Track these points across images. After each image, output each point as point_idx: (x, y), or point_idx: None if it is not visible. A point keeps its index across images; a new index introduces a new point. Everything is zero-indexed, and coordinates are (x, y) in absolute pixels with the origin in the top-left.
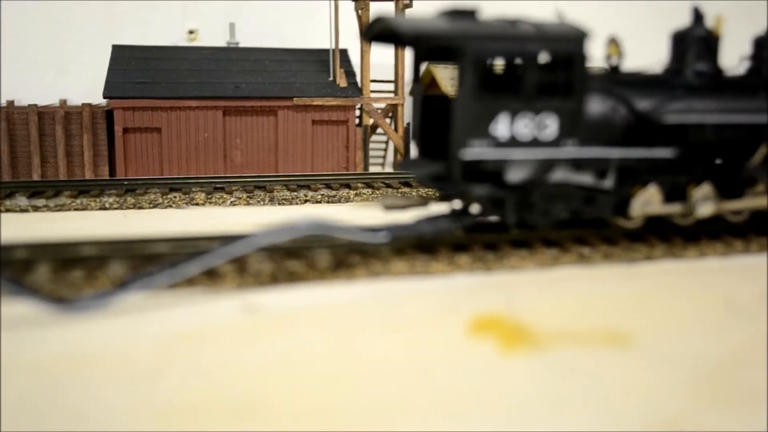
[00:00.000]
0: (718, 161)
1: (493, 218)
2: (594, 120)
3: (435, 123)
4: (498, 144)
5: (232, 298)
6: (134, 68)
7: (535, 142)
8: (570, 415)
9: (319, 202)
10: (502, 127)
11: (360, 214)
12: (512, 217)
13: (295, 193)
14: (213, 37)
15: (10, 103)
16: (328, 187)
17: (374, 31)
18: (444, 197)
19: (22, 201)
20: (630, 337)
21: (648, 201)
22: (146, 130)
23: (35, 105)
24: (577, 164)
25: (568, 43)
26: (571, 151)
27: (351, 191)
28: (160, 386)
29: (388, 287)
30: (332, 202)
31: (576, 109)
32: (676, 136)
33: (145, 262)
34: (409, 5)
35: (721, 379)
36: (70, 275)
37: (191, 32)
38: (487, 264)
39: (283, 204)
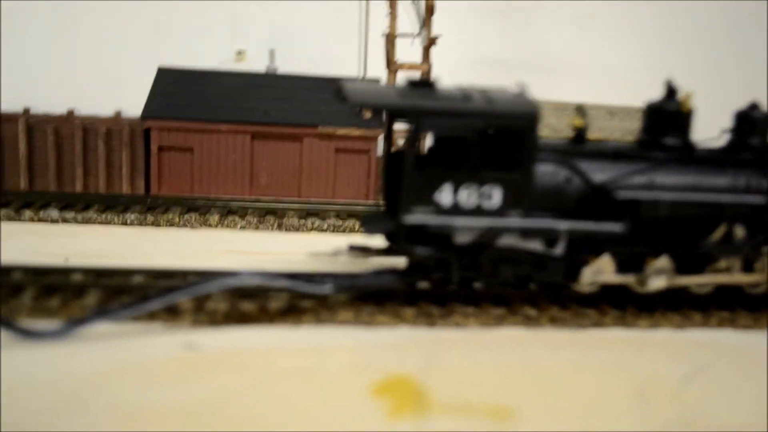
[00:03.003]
0: (675, 236)
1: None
2: (545, 190)
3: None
4: (441, 211)
5: (180, 334)
6: (174, 91)
7: (478, 211)
8: None
9: (326, 230)
10: (445, 195)
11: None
12: (456, 278)
13: (304, 221)
14: (262, 58)
15: (70, 112)
16: (337, 216)
17: (335, 92)
18: (396, 252)
19: (54, 213)
20: (514, 414)
21: (599, 270)
22: (179, 150)
23: (80, 120)
24: (525, 233)
25: (517, 121)
26: (515, 221)
27: (357, 222)
28: (65, 423)
29: (324, 336)
30: (338, 232)
31: (522, 181)
32: (630, 210)
33: (116, 294)
34: (433, 43)
35: None
36: (48, 302)
37: (239, 53)
38: (431, 319)
39: (290, 231)
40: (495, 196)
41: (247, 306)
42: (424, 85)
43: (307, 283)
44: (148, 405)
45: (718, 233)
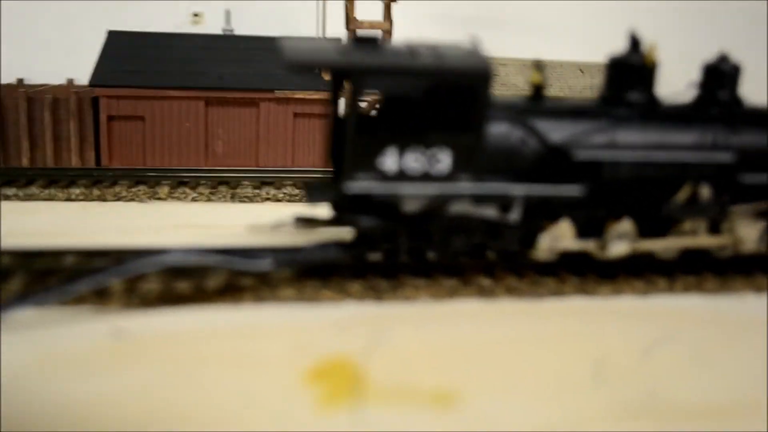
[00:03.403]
0: (637, 198)
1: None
2: (498, 152)
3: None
4: (385, 178)
5: (109, 319)
6: (124, 56)
7: (426, 177)
8: None
9: (281, 200)
10: (390, 160)
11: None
12: (404, 249)
13: (258, 191)
14: (219, 20)
15: (20, 81)
16: (293, 185)
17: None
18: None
19: None
20: (458, 399)
21: (557, 237)
22: (130, 119)
23: (25, 89)
24: (477, 199)
25: (468, 78)
26: (466, 186)
27: None
28: None
29: (264, 316)
30: (294, 201)
31: (473, 144)
32: (589, 172)
33: (44, 277)
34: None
35: None
36: None
37: (196, 15)
38: (379, 293)
39: (244, 201)
40: (444, 160)
41: (183, 286)
42: (369, 42)
43: (245, 259)
44: (71, 397)
45: (683, 194)
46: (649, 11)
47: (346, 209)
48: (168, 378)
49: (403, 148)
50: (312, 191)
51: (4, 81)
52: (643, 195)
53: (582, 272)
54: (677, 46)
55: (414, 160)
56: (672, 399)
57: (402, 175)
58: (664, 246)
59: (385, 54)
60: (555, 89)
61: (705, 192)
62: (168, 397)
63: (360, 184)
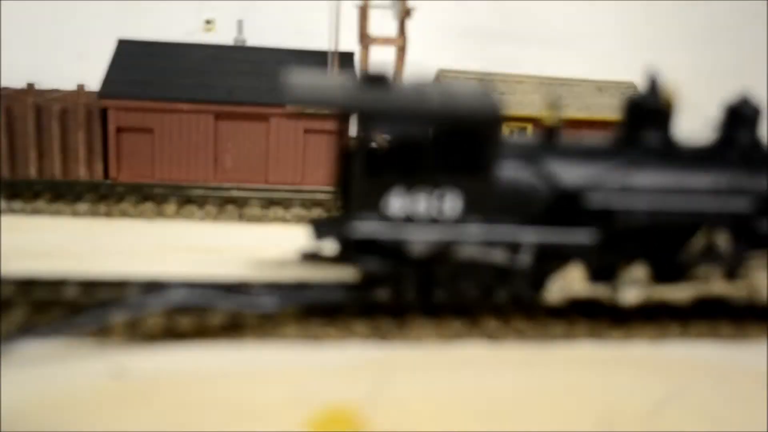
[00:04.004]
0: (651, 244)
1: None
2: (509, 195)
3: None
4: (392, 221)
5: (110, 356)
6: (134, 66)
7: (433, 221)
8: None
9: (289, 221)
10: (396, 202)
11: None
12: (411, 294)
13: (266, 211)
14: (232, 28)
15: (30, 85)
16: (302, 205)
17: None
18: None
19: (2, 204)
20: None
21: (568, 281)
22: (139, 131)
23: (33, 98)
24: (486, 243)
25: (476, 121)
26: (475, 231)
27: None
28: None
29: (266, 356)
30: (302, 223)
31: (482, 187)
32: (602, 219)
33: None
34: (408, 14)
35: None
36: None
37: (208, 22)
38: (385, 334)
39: (251, 221)
40: (452, 204)
41: (185, 322)
42: (377, 80)
43: (248, 298)
44: None
45: (699, 240)
46: (669, 28)
47: (351, 250)
48: (167, 424)
49: (410, 190)
50: (318, 230)
51: (15, 84)
52: (657, 241)
53: (593, 315)
54: (696, 62)
55: (421, 203)
56: None
57: (409, 219)
58: (678, 293)
59: (392, 95)
60: (573, 108)
61: (721, 239)
62: None
63: (366, 227)
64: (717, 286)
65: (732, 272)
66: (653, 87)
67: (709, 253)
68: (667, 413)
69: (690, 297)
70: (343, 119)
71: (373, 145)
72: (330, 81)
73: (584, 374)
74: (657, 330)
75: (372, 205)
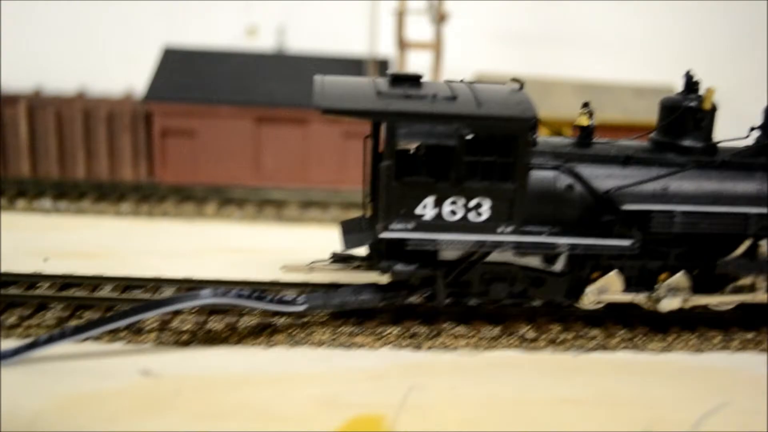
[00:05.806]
0: (692, 252)
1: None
2: (543, 200)
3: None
4: (422, 226)
5: (141, 358)
6: (178, 71)
7: (464, 226)
8: None
9: (327, 222)
10: (428, 208)
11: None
12: (442, 296)
13: (304, 212)
14: (274, 35)
15: (80, 95)
16: (340, 206)
17: None
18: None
19: (47, 203)
20: None
21: (605, 288)
22: (183, 134)
23: (82, 103)
24: (519, 248)
25: (508, 127)
26: (507, 236)
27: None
28: None
29: (296, 361)
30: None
31: (514, 192)
32: (640, 224)
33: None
34: (443, 19)
35: None
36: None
37: (251, 29)
38: (417, 340)
39: (290, 222)
40: (484, 209)
41: (216, 325)
42: (408, 80)
43: (278, 302)
44: None
45: (741, 249)
46: (710, 32)
47: (381, 254)
48: (195, 426)
49: (441, 195)
50: (348, 234)
51: (67, 88)
52: (697, 248)
53: (630, 323)
54: (737, 66)
55: (452, 208)
56: None
57: (440, 223)
58: (719, 301)
59: (421, 98)
60: (610, 112)
61: (765, 247)
62: None
63: (396, 231)
64: (760, 295)
65: None
66: (693, 90)
67: (753, 263)
68: (710, 426)
69: (732, 306)
70: (374, 124)
71: (407, 149)
72: (358, 89)
73: (621, 383)
74: (698, 339)
75: (402, 210)
